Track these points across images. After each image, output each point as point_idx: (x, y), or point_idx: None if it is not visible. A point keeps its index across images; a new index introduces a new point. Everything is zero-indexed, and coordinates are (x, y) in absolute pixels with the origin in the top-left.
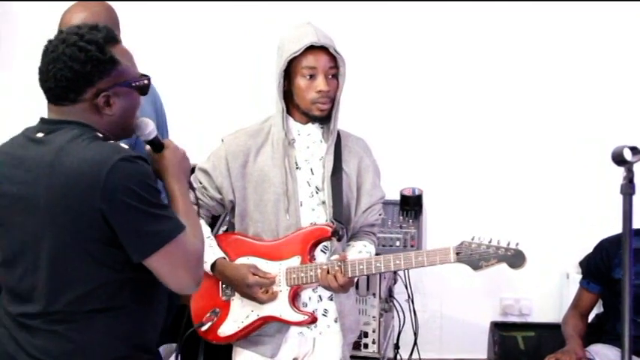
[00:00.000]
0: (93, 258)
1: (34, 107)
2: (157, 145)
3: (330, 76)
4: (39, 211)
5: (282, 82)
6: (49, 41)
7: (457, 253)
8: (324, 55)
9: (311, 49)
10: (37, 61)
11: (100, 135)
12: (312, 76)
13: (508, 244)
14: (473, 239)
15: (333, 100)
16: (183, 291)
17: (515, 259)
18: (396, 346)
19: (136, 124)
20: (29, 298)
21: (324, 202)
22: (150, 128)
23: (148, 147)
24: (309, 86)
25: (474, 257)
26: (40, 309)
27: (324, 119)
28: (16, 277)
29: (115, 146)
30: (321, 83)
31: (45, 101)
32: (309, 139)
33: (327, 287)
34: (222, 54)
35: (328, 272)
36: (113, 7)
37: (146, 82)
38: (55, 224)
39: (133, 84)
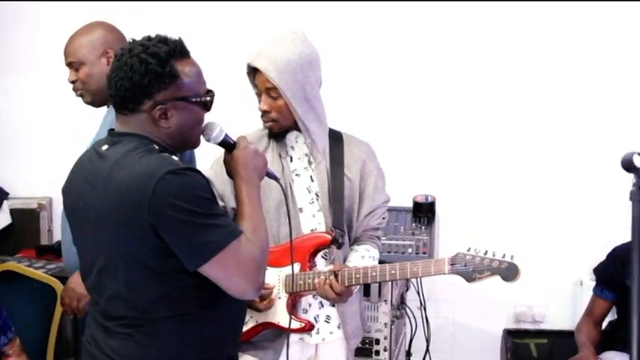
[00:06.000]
0: (150, 269)
1: (52, 111)
2: (228, 145)
3: (274, 96)
4: (99, 225)
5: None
6: (121, 49)
7: (451, 265)
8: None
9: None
10: (56, 65)
11: (157, 147)
12: (259, 94)
13: (503, 256)
14: (469, 250)
15: (279, 119)
16: (242, 297)
17: (509, 272)
18: (408, 354)
19: (202, 128)
20: (102, 302)
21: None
22: (216, 131)
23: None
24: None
25: (467, 269)
26: (111, 313)
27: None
28: (91, 284)
29: (164, 159)
30: (261, 102)
31: (64, 106)
32: (306, 146)
33: (325, 297)
34: (214, 56)
35: (325, 282)
36: (115, 27)
37: (208, 98)
38: (113, 237)
39: (193, 99)
